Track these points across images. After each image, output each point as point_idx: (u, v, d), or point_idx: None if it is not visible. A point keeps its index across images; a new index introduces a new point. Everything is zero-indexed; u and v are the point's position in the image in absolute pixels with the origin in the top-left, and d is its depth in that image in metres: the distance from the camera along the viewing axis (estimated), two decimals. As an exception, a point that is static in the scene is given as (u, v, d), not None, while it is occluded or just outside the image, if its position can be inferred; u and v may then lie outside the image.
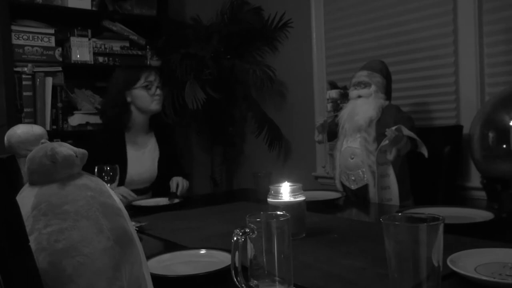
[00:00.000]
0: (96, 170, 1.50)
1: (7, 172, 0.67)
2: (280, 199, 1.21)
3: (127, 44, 3.11)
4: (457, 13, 2.20)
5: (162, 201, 1.87)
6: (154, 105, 2.14)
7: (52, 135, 2.47)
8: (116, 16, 3.06)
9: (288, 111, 3.11)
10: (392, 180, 1.83)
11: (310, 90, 2.94)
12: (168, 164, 2.20)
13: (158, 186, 2.15)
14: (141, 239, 0.72)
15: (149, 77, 2.13)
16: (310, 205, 1.35)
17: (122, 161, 2.03)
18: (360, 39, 2.63)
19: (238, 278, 0.80)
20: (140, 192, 2.09)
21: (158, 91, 2.14)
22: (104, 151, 1.97)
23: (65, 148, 0.66)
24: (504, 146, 1.72)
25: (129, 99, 2.13)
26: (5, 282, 0.56)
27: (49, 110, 2.75)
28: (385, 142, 1.75)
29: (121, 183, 2.00)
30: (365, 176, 1.86)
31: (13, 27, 2.67)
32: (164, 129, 2.29)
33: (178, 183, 2.06)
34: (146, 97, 2.12)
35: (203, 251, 1.10)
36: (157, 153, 2.20)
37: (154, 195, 2.09)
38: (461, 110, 2.22)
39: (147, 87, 2.12)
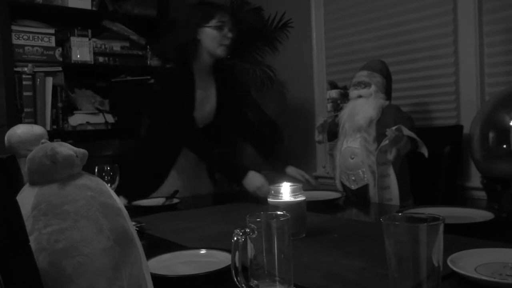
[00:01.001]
0: (96, 170, 1.50)
1: (7, 172, 0.67)
2: (280, 199, 1.21)
3: (127, 44, 3.11)
4: (457, 13, 2.20)
5: (162, 201, 1.87)
6: (221, 50, 1.97)
7: (52, 135, 2.47)
8: (116, 16, 3.06)
9: (288, 111, 3.11)
10: (392, 180, 1.83)
11: (310, 90, 2.94)
12: (226, 111, 2.11)
13: (216, 128, 2.07)
14: (141, 239, 0.72)
15: (223, 17, 1.96)
16: (310, 205, 1.35)
17: (190, 101, 1.98)
18: (360, 39, 2.63)
19: (238, 278, 0.80)
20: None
21: (229, 34, 1.96)
22: (176, 90, 1.92)
23: (65, 148, 0.66)
24: (504, 146, 1.72)
25: (198, 37, 1.96)
26: (5, 282, 0.56)
27: (49, 110, 2.75)
28: (385, 142, 1.75)
29: (191, 123, 1.95)
30: (365, 176, 1.86)
31: (13, 27, 2.67)
32: (226, 75, 2.16)
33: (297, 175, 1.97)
34: (216, 38, 1.95)
35: (203, 251, 1.10)
36: (215, 97, 2.10)
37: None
38: (461, 110, 2.22)
39: (219, 28, 1.95)
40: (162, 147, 2.08)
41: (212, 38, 1.95)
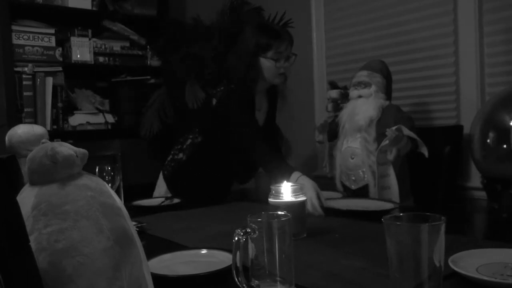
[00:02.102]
0: (97, 170, 1.50)
1: (7, 172, 0.67)
2: (281, 199, 1.21)
3: (127, 44, 3.11)
4: (457, 13, 2.20)
5: (162, 201, 1.86)
6: (278, 79, 1.96)
7: (53, 135, 2.47)
8: (116, 16, 3.07)
9: (288, 111, 3.10)
10: (392, 180, 1.82)
11: (310, 90, 2.94)
12: (271, 125, 2.15)
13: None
14: (141, 239, 0.71)
15: (280, 47, 1.93)
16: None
17: (253, 121, 1.97)
18: (360, 39, 2.63)
19: (239, 278, 0.80)
20: None
21: (287, 64, 1.94)
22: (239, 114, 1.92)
23: (65, 148, 0.66)
24: (504, 146, 1.72)
25: (258, 65, 1.95)
26: (5, 282, 0.55)
27: (49, 110, 2.76)
28: (385, 142, 1.75)
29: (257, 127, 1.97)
30: (365, 176, 1.86)
31: (14, 27, 2.67)
32: (274, 92, 2.18)
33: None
34: (272, 69, 1.93)
35: (203, 251, 1.10)
36: (265, 116, 2.11)
37: None
38: (461, 110, 2.22)
39: (275, 59, 1.92)
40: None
41: (269, 69, 1.93)
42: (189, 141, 2.15)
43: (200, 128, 2.15)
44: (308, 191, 1.57)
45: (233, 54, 2.11)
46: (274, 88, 2.17)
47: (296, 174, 1.75)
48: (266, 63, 1.93)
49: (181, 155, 2.15)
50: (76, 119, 2.87)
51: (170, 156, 2.18)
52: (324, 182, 2.81)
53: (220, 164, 2.04)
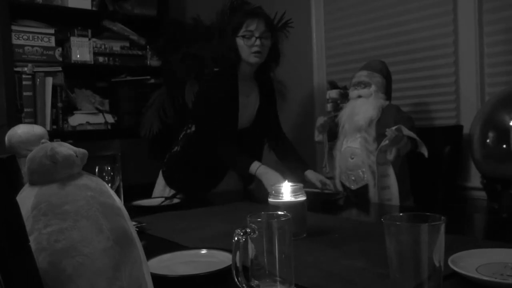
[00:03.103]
0: (97, 170, 1.50)
1: (7, 172, 0.67)
2: (281, 199, 1.21)
3: (127, 44, 3.11)
4: (457, 13, 2.20)
5: (162, 201, 1.86)
6: (252, 58, 1.96)
7: (52, 135, 2.48)
8: (116, 16, 3.07)
9: (288, 111, 3.10)
10: (392, 180, 1.82)
11: (310, 90, 2.94)
12: (266, 117, 2.14)
13: (251, 133, 2.10)
14: (141, 239, 0.71)
15: (250, 25, 1.95)
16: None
17: (234, 109, 2.02)
18: (360, 39, 2.63)
19: (239, 278, 0.80)
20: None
21: (258, 42, 1.94)
22: (220, 97, 1.98)
23: (65, 148, 0.66)
24: (504, 146, 1.72)
25: (235, 46, 1.99)
26: (5, 282, 0.55)
27: (49, 110, 2.75)
28: (385, 142, 1.75)
29: (234, 129, 2.02)
30: (365, 176, 1.86)
31: (13, 27, 2.67)
32: (267, 81, 2.19)
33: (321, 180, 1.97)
34: (244, 47, 1.95)
35: (203, 251, 1.10)
36: (257, 103, 2.12)
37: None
38: (461, 110, 2.22)
39: (245, 37, 1.95)
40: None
41: (242, 48, 1.96)
42: (183, 133, 2.17)
43: (191, 117, 2.17)
44: (272, 178, 1.80)
45: (212, 41, 2.19)
46: (267, 77, 2.19)
47: (255, 164, 1.88)
48: (239, 41, 1.97)
49: (176, 148, 2.18)
50: (76, 119, 2.87)
51: (168, 154, 2.21)
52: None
53: (213, 152, 2.05)
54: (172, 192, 2.09)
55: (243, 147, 2.01)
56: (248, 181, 2.17)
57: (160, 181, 2.19)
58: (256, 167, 1.91)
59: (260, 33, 1.95)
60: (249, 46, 1.95)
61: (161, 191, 2.16)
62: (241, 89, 2.07)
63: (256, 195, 1.96)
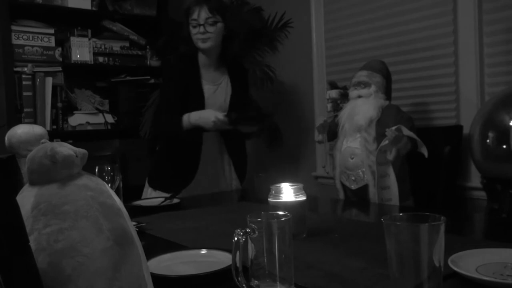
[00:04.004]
0: (97, 170, 1.50)
1: (7, 172, 0.67)
2: (281, 199, 1.21)
3: (127, 44, 3.11)
4: (457, 13, 2.20)
5: (162, 201, 1.86)
6: (200, 44, 2.01)
7: (52, 135, 2.47)
8: (116, 16, 3.07)
9: (288, 111, 3.11)
10: (392, 180, 1.82)
11: (310, 90, 2.94)
12: (240, 104, 2.12)
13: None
14: (141, 239, 0.71)
15: (193, 14, 2.00)
16: None
17: (199, 96, 2.04)
18: (360, 39, 2.63)
19: (239, 278, 0.80)
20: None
21: (202, 29, 1.98)
22: (181, 85, 2.01)
23: (65, 148, 0.66)
24: (504, 146, 1.72)
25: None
26: (5, 282, 0.55)
27: (49, 110, 2.76)
28: (385, 142, 1.75)
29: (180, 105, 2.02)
30: (365, 176, 1.86)
31: (13, 27, 2.67)
32: (237, 66, 2.21)
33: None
34: (193, 36, 2.02)
35: (203, 251, 1.10)
36: (229, 90, 2.13)
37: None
38: (461, 110, 2.22)
39: (192, 25, 2.00)
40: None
41: (192, 36, 2.03)
42: None
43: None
44: (207, 114, 1.94)
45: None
46: (234, 62, 2.20)
47: (185, 116, 1.96)
48: (191, 30, 2.03)
49: (157, 148, 2.22)
50: (76, 119, 2.87)
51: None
52: (324, 182, 2.83)
53: (188, 146, 2.07)
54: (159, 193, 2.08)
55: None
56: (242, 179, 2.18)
57: (147, 185, 2.20)
58: (188, 118, 1.97)
59: (204, 19, 1.99)
60: (195, 34, 2.01)
61: (145, 193, 2.16)
62: (207, 77, 2.09)
63: (256, 195, 1.96)
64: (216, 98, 2.10)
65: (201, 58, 2.09)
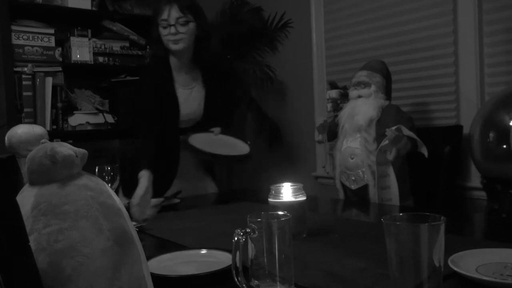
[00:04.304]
0: (96, 170, 1.50)
1: (7, 172, 0.67)
2: (281, 199, 1.21)
3: (127, 44, 3.11)
4: (457, 13, 2.20)
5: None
6: (171, 45, 1.93)
7: (52, 135, 2.47)
8: (116, 16, 3.06)
9: (288, 111, 3.11)
10: (392, 180, 1.82)
11: (310, 90, 2.94)
12: (217, 107, 2.04)
13: (205, 125, 1.99)
14: (141, 239, 0.71)
15: (163, 14, 1.91)
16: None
17: (173, 100, 1.97)
18: (360, 39, 2.63)
19: (239, 278, 0.80)
20: (188, 130, 1.97)
21: (173, 30, 1.90)
22: (155, 90, 1.93)
23: (65, 148, 0.66)
24: (504, 146, 1.72)
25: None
26: (5, 282, 0.55)
27: (49, 110, 2.75)
28: (385, 142, 1.75)
29: (176, 123, 1.96)
30: (365, 176, 1.86)
31: (13, 27, 2.67)
32: (212, 69, 2.11)
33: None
34: (163, 36, 1.92)
35: (203, 251, 1.10)
36: (203, 93, 2.06)
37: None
38: (461, 110, 2.22)
39: (162, 26, 1.92)
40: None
41: (163, 38, 1.94)
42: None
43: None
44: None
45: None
46: (209, 64, 2.10)
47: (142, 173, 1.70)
48: (161, 31, 1.94)
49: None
50: (76, 119, 2.87)
51: None
52: (324, 182, 2.83)
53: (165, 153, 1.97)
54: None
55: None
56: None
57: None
58: (140, 175, 1.70)
59: (175, 19, 1.90)
60: (166, 35, 1.92)
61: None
62: (180, 80, 2.01)
63: (255, 195, 1.96)
64: (190, 102, 2.02)
65: (173, 60, 2.00)
